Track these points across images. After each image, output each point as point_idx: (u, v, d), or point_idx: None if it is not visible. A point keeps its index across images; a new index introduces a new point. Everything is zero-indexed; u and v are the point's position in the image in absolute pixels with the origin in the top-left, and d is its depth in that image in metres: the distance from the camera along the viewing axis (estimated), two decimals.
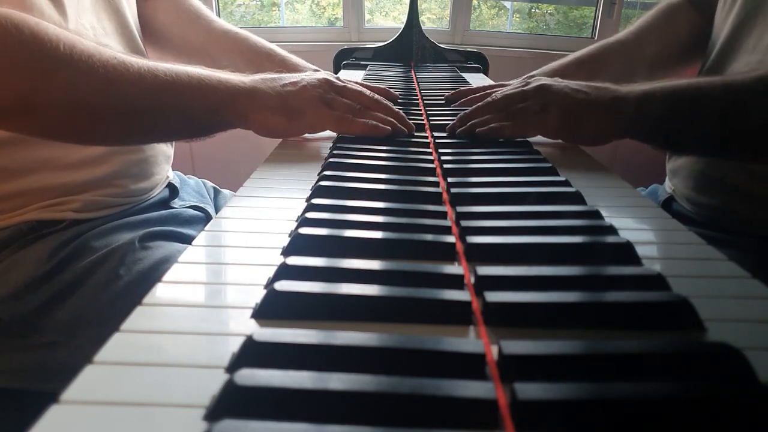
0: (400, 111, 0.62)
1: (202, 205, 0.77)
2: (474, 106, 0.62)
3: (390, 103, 0.62)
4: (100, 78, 0.47)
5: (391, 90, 0.83)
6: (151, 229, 0.63)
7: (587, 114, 0.56)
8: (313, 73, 0.60)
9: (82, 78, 0.47)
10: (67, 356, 0.55)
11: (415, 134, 0.62)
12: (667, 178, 0.83)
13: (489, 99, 0.61)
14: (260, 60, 0.83)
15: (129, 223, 0.64)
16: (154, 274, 0.57)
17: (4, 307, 0.56)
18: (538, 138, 0.61)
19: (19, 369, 0.57)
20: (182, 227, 0.68)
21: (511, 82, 0.83)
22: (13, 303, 0.56)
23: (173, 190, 0.76)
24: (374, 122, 0.57)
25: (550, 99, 0.57)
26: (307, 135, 0.61)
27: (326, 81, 0.58)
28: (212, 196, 0.85)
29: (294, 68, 0.84)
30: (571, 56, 0.87)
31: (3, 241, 0.58)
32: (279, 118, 0.54)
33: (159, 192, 0.73)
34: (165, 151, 0.75)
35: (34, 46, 0.45)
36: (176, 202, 0.75)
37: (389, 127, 0.57)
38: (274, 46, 0.86)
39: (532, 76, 0.83)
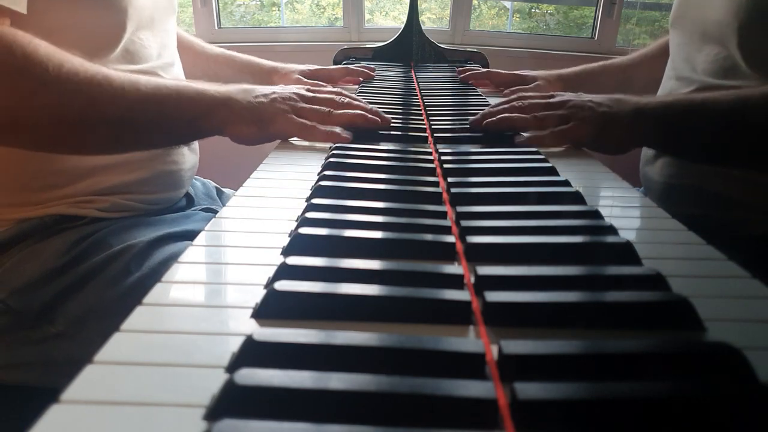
0: (372, 106, 0.65)
1: (212, 207, 0.78)
2: (501, 106, 0.65)
3: (363, 102, 0.65)
4: (85, 95, 0.51)
5: (391, 89, 0.84)
6: (169, 230, 0.64)
7: (610, 125, 0.59)
8: (285, 87, 0.63)
9: (69, 96, 0.50)
10: (74, 349, 0.56)
11: (415, 134, 0.63)
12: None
13: (512, 98, 0.66)
14: (251, 72, 0.92)
15: (146, 222, 0.65)
16: (164, 270, 0.57)
17: (19, 297, 0.56)
18: None
19: (26, 362, 0.58)
20: (197, 228, 0.68)
21: (527, 71, 0.92)
22: (27, 294, 0.56)
23: (189, 199, 0.78)
24: (335, 130, 0.59)
25: (572, 111, 0.60)
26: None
27: (296, 93, 0.62)
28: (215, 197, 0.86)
29: (283, 73, 0.92)
30: (577, 69, 0.96)
31: (24, 232, 0.59)
32: (251, 128, 0.58)
33: (178, 202, 0.75)
34: (196, 162, 0.77)
35: (24, 68, 0.48)
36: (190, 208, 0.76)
37: (349, 136, 0.59)
38: (260, 60, 0.96)
39: (535, 78, 0.91)
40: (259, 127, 0.58)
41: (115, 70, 0.53)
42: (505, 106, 0.64)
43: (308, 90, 0.64)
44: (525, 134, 0.61)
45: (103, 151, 0.60)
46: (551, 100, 0.63)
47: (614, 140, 0.60)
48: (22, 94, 0.48)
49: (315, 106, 0.61)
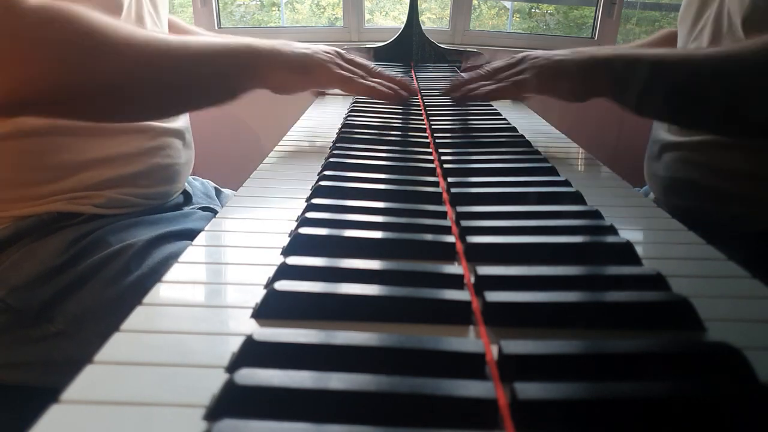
0: (403, 78, 0.72)
1: (211, 206, 0.78)
2: (466, 77, 0.72)
3: (393, 74, 0.72)
4: (140, 58, 0.52)
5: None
6: (168, 229, 0.64)
7: (561, 71, 0.62)
8: (323, 46, 0.69)
9: (122, 60, 0.51)
10: (74, 348, 0.56)
11: (415, 134, 0.63)
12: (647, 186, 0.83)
13: (479, 71, 0.71)
14: None
15: (145, 221, 0.65)
16: (163, 269, 0.57)
17: (18, 296, 0.56)
18: (540, 129, 0.61)
19: (26, 362, 0.58)
20: (196, 226, 0.68)
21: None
22: (27, 292, 0.56)
23: (187, 196, 0.77)
24: (376, 85, 0.65)
25: (530, 63, 0.65)
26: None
27: (336, 51, 0.68)
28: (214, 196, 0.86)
29: None
30: (581, 50, 0.97)
31: (23, 230, 0.59)
32: (294, 75, 0.63)
33: (175, 198, 0.75)
34: (192, 158, 0.77)
35: (77, 37, 0.48)
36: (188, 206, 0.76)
37: (390, 92, 0.65)
38: None
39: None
40: (303, 75, 0.63)
41: (162, 33, 0.56)
42: (470, 76, 0.70)
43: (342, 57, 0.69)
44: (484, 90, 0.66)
45: (159, 113, 0.62)
46: (511, 60, 0.68)
47: (565, 86, 0.62)
48: (76, 63, 0.49)
49: (352, 67, 0.67)
